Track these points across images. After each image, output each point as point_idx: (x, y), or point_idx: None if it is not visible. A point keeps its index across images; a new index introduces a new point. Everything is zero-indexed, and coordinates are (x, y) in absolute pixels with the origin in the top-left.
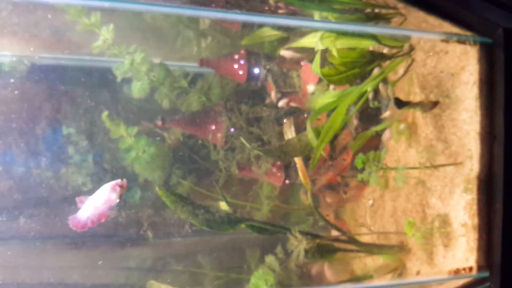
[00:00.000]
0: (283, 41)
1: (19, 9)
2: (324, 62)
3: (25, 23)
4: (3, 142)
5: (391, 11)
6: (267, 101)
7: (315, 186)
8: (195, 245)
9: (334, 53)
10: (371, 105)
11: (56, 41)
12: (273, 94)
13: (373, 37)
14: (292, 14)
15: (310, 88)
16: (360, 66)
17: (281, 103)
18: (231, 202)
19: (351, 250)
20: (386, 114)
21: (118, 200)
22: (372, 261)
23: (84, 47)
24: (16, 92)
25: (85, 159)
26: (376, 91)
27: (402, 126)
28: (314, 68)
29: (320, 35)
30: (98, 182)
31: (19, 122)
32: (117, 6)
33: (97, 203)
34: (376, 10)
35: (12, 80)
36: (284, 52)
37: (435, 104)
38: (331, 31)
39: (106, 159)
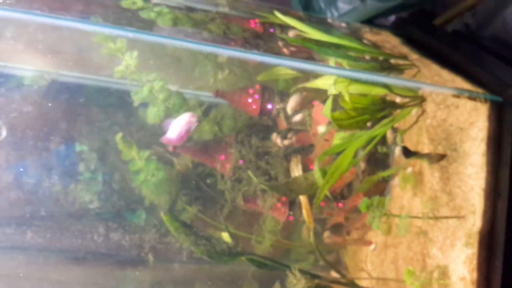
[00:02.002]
0: (297, 80)
1: (45, 26)
2: (335, 106)
3: (50, 40)
4: (16, 153)
5: (405, 62)
6: (275, 137)
7: (327, 226)
8: (194, 273)
9: (346, 98)
10: (379, 150)
11: (78, 60)
12: (274, 136)
13: (386, 85)
14: (308, 57)
15: (321, 128)
16: (371, 113)
17: (286, 142)
18: (233, 233)
19: None
20: (396, 151)
21: (196, 124)
22: None
23: (105, 69)
24: (34, 105)
25: (95, 177)
26: (384, 138)
27: (409, 169)
28: (325, 111)
29: (334, 79)
30: (105, 201)
31: (34, 135)
32: (141, 37)
33: (181, 123)
34: (391, 61)
35: (31, 94)
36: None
37: (442, 157)
38: (345, 77)
39: (115, 179)
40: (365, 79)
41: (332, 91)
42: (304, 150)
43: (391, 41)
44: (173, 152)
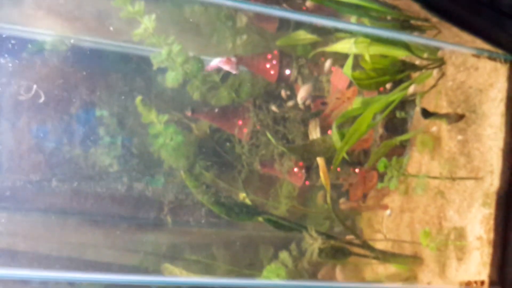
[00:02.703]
0: (316, 45)
1: None
2: (355, 68)
3: (70, 5)
4: (38, 117)
5: (425, 23)
6: (291, 102)
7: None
8: (211, 236)
9: (367, 58)
10: (397, 115)
11: (98, 25)
12: (299, 98)
13: (406, 46)
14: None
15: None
16: (391, 74)
17: (303, 101)
18: (250, 196)
19: (364, 256)
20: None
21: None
22: (384, 270)
23: (124, 33)
24: (55, 70)
25: (114, 141)
26: (403, 102)
27: (434, 128)
28: (346, 70)
29: (354, 40)
30: (124, 165)
31: (54, 99)
32: None
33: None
34: (412, 22)
35: (51, 59)
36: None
37: (461, 116)
38: (366, 36)
39: (134, 144)
40: (385, 37)
41: (352, 49)
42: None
43: (411, 6)
44: (191, 118)
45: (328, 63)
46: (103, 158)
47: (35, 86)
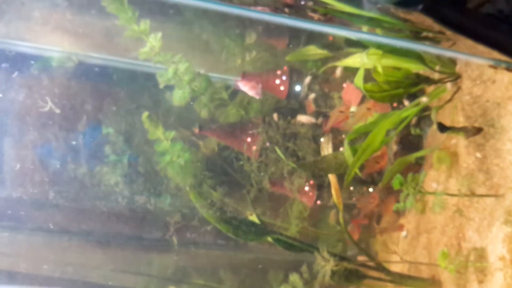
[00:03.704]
0: (327, 61)
1: (73, 8)
2: (367, 81)
3: (77, 22)
4: (43, 135)
5: (439, 35)
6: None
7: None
8: (218, 259)
9: (379, 69)
10: (412, 131)
11: (105, 42)
12: (304, 118)
13: (420, 59)
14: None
15: (351, 109)
16: (404, 87)
17: (304, 119)
18: (259, 216)
19: (379, 279)
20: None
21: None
22: None
23: (132, 50)
24: (61, 86)
25: (121, 159)
26: (418, 118)
27: (453, 141)
28: (357, 81)
29: (366, 52)
30: (130, 184)
31: (61, 116)
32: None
33: None
34: (425, 34)
35: (59, 75)
36: (301, 117)
37: (479, 130)
38: (378, 47)
39: (140, 162)
40: (398, 49)
41: (364, 60)
42: (333, 132)
43: (424, 20)
44: (199, 135)
45: (339, 73)
46: (109, 176)
47: (49, 101)
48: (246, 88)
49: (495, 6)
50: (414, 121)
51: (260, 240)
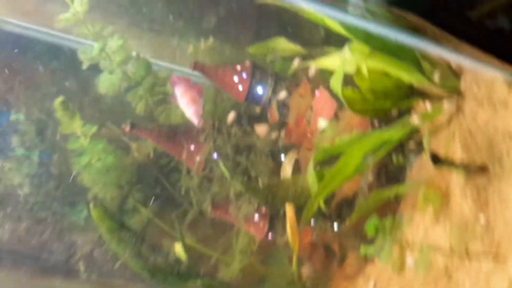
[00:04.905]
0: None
1: None
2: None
3: None
4: None
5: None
6: (260, 130)
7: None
8: None
9: (364, 71)
10: (394, 160)
11: (27, 7)
12: (262, 129)
13: (417, 64)
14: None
15: (322, 123)
16: (394, 99)
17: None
18: (193, 248)
19: None
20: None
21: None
22: None
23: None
24: None
25: (30, 155)
26: (402, 145)
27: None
28: (334, 84)
29: (348, 45)
30: (37, 187)
31: None
32: None
33: None
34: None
35: None
36: (259, 128)
37: (484, 169)
38: (365, 39)
39: (55, 161)
40: (391, 45)
41: (346, 54)
42: (296, 148)
43: (425, 24)
44: (131, 135)
45: (312, 75)
46: (12, 175)
47: None
48: (179, 93)
49: (495, 24)
50: (397, 145)
51: (185, 285)
